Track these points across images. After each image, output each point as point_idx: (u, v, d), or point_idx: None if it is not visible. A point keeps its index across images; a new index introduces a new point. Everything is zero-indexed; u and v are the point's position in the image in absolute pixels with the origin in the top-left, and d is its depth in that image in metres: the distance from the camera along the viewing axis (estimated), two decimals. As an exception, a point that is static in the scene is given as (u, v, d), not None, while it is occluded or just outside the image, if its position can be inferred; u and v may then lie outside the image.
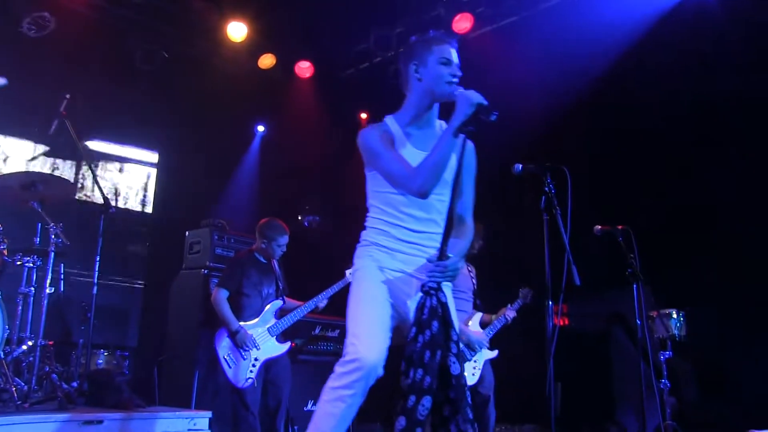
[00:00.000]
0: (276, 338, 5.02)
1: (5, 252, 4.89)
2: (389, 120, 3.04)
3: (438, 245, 2.75)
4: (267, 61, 8.06)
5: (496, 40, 7.13)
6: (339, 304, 5.22)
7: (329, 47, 8.14)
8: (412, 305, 2.75)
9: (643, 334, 4.27)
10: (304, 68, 8.29)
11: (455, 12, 7.13)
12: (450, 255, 2.70)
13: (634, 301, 4.25)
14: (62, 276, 5.18)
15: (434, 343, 2.58)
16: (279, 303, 5.14)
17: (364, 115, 8.79)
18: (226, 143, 8.10)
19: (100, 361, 5.83)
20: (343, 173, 8.22)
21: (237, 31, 7.58)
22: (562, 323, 3.57)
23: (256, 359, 4.86)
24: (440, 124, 3.06)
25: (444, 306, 2.66)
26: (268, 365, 4.96)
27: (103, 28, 7.00)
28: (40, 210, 5.07)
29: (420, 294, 2.70)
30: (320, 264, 6.31)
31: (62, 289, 5.21)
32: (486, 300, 5.42)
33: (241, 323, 4.93)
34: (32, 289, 5.02)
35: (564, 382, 4.39)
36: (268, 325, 5.02)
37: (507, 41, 7.00)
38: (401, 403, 2.54)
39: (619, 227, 4.38)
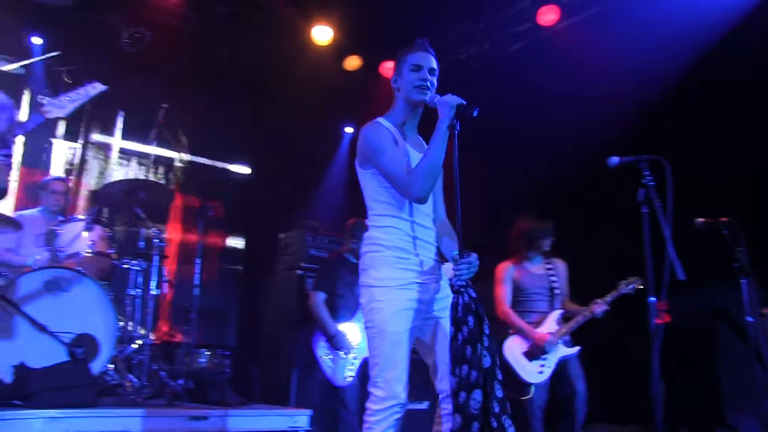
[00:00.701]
0: None
1: (114, 256, 5.15)
2: (383, 121, 3.11)
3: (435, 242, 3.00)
4: (353, 62, 8.14)
5: (583, 31, 6.97)
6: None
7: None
8: (437, 305, 2.95)
9: (755, 333, 4.08)
10: (389, 68, 8.32)
11: (540, 4, 7.03)
12: (467, 252, 2.80)
13: (743, 297, 4.07)
14: (165, 278, 5.39)
15: (472, 338, 2.67)
16: None
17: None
18: (315, 146, 8.23)
19: (202, 360, 6.05)
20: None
21: (322, 34, 7.69)
22: (665, 320, 3.45)
23: (354, 358, 4.93)
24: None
25: (476, 300, 2.73)
26: (366, 364, 5.01)
27: (192, 39, 7.23)
28: (143, 215, 5.31)
29: (449, 294, 2.84)
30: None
31: (166, 290, 5.41)
32: (580, 298, 5.29)
33: (337, 323, 5.02)
34: (139, 290, 5.28)
35: (667, 382, 4.26)
36: (358, 320, 5.08)
37: (595, 31, 6.83)
38: (453, 401, 2.66)
39: (723, 219, 4.21)
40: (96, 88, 2.83)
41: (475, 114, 2.80)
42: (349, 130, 8.84)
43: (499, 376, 2.68)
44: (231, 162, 8.29)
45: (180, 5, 7.03)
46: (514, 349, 4.94)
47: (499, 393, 2.64)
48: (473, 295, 2.73)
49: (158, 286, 5.22)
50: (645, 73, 6.11)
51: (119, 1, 6.88)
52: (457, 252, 2.79)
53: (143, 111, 6.36)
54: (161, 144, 5.67)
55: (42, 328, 4.43)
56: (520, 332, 4.95)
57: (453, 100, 2.84)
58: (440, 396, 2.98)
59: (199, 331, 5.88)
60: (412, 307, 2.87)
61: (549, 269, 5.13)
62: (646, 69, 6.10)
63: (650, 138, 5.69)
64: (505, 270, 5.15)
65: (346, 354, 4.95)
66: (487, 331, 2.69)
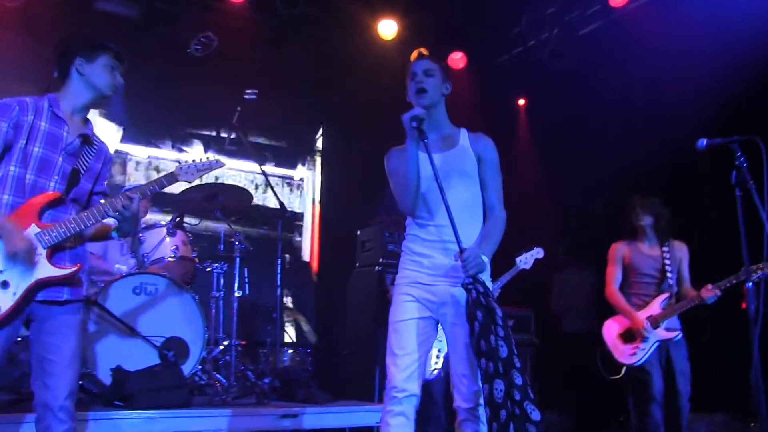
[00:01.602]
0: None
1: (196, 260, 5.26)
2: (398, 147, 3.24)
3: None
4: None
5: (657, 10, 6.75)
6: (512, 294, 5.22)
7: (480, 36, 8.06)
8: (448, 309, 2.97)
9: None
10: (457, 59, 8.26)
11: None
12: (465, 248, 2.82)
13: None
14: (247, 279, 5.47)
15: (484, 331, 2.72)
16: None
17: (521, 101, 8.64)
18: (385, 140, 8.21)
19: (286, 359, 6.14)
20: (503, 162, 8.16)
21: (388, 28, 7.69)
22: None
23: (439, 350, 4.91)
24: (458, 131, 3.23)
25: (485, 294, 2.77)
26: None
27: (259, 41, 7.32)
28: (222, 218, 5.41)
29: (457, 293, 2.91)
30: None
31: (248, 291, 5.50)
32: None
33: None
34: (222, 292, 5.38)
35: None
36: None
37: (668, 10, 6.60)
38: (483, 395, 2.74)
39: None
40: (218, 164, 3.14)
41: (414, 125, 2.93)
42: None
43: (518, 364, 2.71)
44: (302, 161, 8.38)
45: (245, 8, 7.14)
46: (612, 329, 5.00)
47: (518, 380, 2.67)
48: (480, 289, 2.77)
49: (240, 288, 5.31)
50: (726, 52, 5.86)
51: (186, 8, 7.02)
52: (458, 250, 2.84)
53: (216, 114, 6.47)
54: (236, 147, 5.72)
55: (134, 333, 4.57)
56: (622, 313, 4.96)
57: (406, 115, 2.98)
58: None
59: (280, 329, 5.98)
60: (413, 300, 3.00)
61: (665, 251, 4.98)
62: (726, 47, 5.85)
63: (737, 119, 5.46)
64: (616, 250, 5.10)
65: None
66: (500, 322, 2.73)
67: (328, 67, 7.78)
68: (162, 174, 3.04)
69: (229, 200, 5.27)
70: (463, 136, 3.19)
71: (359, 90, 7.74)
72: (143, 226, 5.28)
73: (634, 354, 4.82)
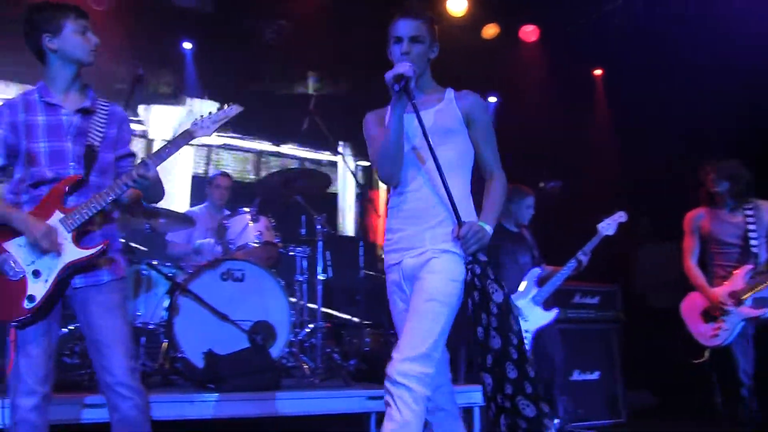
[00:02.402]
0: (541, 307, 4.96)
1: (280, 244, 5.35)
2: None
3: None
4: (490, 30, 7.99)
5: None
6: (597, 268, 5.09)
7: (553, 6, 7.87)
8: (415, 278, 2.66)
9: None
10: (529, 32, 8.11)
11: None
12: (464, 221, 2.57)
13: None
14: (329, 263, 5.52)
15: (476, 318, 2.53)
16: (537, 271, 5.04)
17: (598, 71, 8.42)
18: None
19: (368, 339, 6.18)
20: (579, 134, 7.98)
21: (457, 5, 7.60)
22: None
23: (526, 331, 4.83)
24: (444, 91, 2.88)
25: (482, 276, 2.54)
26: (538, 335, 4.89)
27: (330, 26, 7.34)
28: (303, 203, 5.47)
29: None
30: (569, 228, 6.16)
31: (331, 274, 5.55)
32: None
33: None
34: (305, 276, 5.46)
35: None
36: (531, 295, 4.94)
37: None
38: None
39: None
40: (234, 109, 2.97)
41: (396, 89, 2.61)
42: (492, 99, 8.69)
43: (514, 355, 2.49)
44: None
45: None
46: (693, 307, 4.68)
47: (512, 374, 2.47)
48: (477, 270, 2.54)
49: (324, 271, 5.37)
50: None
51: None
52: (455, 224, 2.58)
53: (292, 102, 6.55)
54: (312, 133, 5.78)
55: (224, 317, 4.68)
56: (698, 289, 4.66)
57: (388, 74, 2.65)
58: None
59: (364, 311, 6.03)
60: (393, 292, 2.79)
61: (749, 216, 4.57)
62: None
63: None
64: (692, 219, 4.78)
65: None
66: (494, 310, 2.50)
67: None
68: (178, 135, 2.91)
69: (308, 185, 5.33)
70: (449, 93, 2.86)
71: (431, 68, 7.67)
72: (227, 213, 5.39)
73: (716, 335, 4.49)
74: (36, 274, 2.69)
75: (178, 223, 5.21)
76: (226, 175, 5.98)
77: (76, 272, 2.76)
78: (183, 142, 2.88)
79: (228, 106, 2.97)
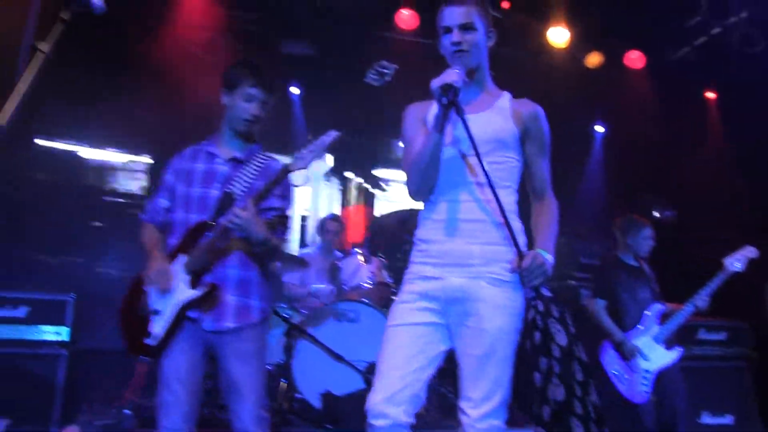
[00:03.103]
0: (663, 345, 4.74)
1: (392, 285, 5.39)
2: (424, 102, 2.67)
3: (486, 216, 2.37)
4: (594, 59, 7.85)
5: None
6: (723, 302, 4.83)
7: (657, 30, 7.68)
8: (459, 307, 2.37)
9: None
10: (634, 58, 7.91)
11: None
12: (526, 251, 2.30)
13: None
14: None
15: (533, 362, 2.28)
16: (659, 307, 4.80)
17: (711, 95, 8.12)
18: (565, 149, 8.02)
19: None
20: (691, 161, 7.68)
21: (559, 35, 7.52)
22: None
23: (646, 371, 4.61)
24: (500, 94, 2.61)
25: (545, 314, 2.31)
26: (660, 376, 4.65)
27: (432, 64, 7.39)
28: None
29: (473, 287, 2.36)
30: (688, 260, 5.91)
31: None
32: None
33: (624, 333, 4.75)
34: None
35: None
36: (652, 333, 4.72)
37: None
38: None
39: None
40: (331, 135, 2.93)
41: (443, 101, 2.31)
42: (599, 129, 8.53)
43: (578, 410, 2.23)
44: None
45: (417, 33, 7.25)
46: None
47: (578, 431, 2.21)
48: (540, 308, 2.31)
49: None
50: None
51: (359, 40, 7.26)
52: (515, 255, 2.30)
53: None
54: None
55: (340, 358, 4.74)
56: None
57: (433, 84, 2.35)
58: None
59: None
60: (414, 300, 2.41)
61: None
62: None
63: None
64: None
65: (636, 361, 4.63)
66: (557, 354, 2.26)
67: (502, 79, 7.73)
68: (277, 173, 2.91)
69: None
70: (504, 98, 2.58)
71: (535, 100, 7.61)
72: (340, 254, 5.49)
73: None
74: (157, 312, 2.86)
75: (293, 265, 5.35)
76: (336, 219, 6.10)
77: (194, 310, 2.85)
78: (282, 177, 2.87)
79: (325, 134, 2.94)
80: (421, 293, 2.41)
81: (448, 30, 2.49)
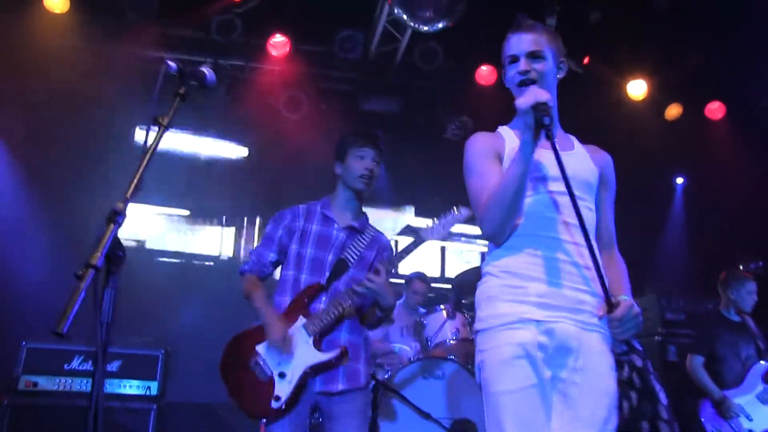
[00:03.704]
0: None
1: (476, 341, 5.40)
2: (503, 129, 2.44)
3: (583, 260, 2.11)
4: (673, 111, 7.81)
5: None
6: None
7: (737, 81, 7.60)
8: (580, 362, 2.09)
9: None
10: (714, 109, 7.84)
11: None
12: (617, 299, 1.99)
13: None
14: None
15: (635, 420, 2.01)
16: (764, 365, 4.68)
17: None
18: (647, 201, 7.96)
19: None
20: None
21: (637, 88, 7.54)
22: None
23: (750, 430, 4.50)
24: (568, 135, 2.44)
25: (642, 371, 2.14)
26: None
27: (510, 119, 7.48)
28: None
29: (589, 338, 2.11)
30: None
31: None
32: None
33: (725, 391, 4.61)
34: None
35: None
36: (756, 391, 4.58)
37: None
38: None
39: None
40: (464, 213, 3.03)
41: (545, 121, 2.04)
42: (680, 180, 8.43)
43: None
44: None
45: (495, 88, 7.36)
46: None
47: None
48: (638, 363, 2.15)
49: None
50: None
51: (440, 96, 7.42)
52: (603, 302, 2.01)
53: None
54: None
55: (426, 415, 4.76)
56: None
57: (525, 103, 2.09)
58: None
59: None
60: (525, 354, 2.06)
61: None
62: None
63: None
64: None
65: (738, 425, 4.48)
66: (665, 416, 2.07)
67: (581, 132, 7.74)
68: (410, 242, 3.06)
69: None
70: (578, 143, 2.45)
71: (615, 152, 7.58)
72: (424, 310, 5.55)
73: None
74: (282, 375, 2.90)
75: (378, 321, 5.42)
76: (422, 278, 6.16)
77: (317, 374, 2.94)
78: (413, 247, 3.04)
79: (457, 210, 3.03)
80: (522, 343, 2.08)
81: (515, 59, 2.30)
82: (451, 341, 5.24)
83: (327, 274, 3.05)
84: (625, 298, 2.02)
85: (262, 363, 2.95)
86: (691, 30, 6.80)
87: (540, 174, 2.21)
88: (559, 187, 2.12)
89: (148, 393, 4.92)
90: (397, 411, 4.82)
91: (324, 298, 3.03)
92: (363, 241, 3.14)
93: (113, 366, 4.90)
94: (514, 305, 2.10)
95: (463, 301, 5.65)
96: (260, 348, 2.98)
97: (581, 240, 2.04)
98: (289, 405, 2.89)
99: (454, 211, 3.06)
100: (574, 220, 2.04)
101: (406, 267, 7.25)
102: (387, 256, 3.19)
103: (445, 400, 4.89)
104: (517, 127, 2.30)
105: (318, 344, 2.96)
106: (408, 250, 3.03)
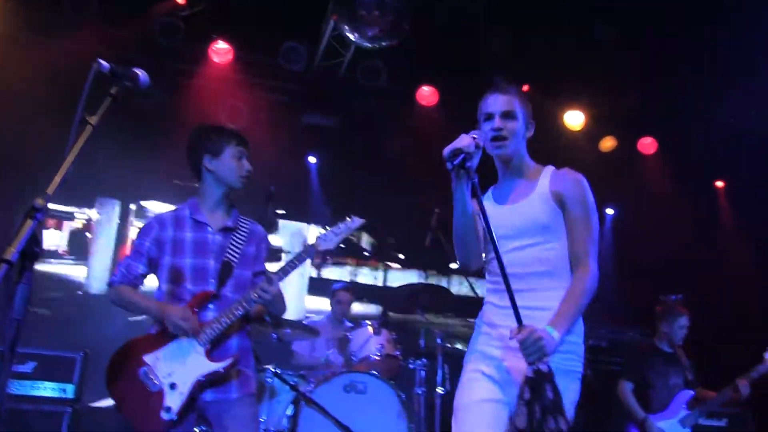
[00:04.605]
0: (689, 430, 4.81)
1: (400, 358, 5.42)
2: (489, 192, 2.74)
3: (546, 302, 2.36)
4: (608, 143, 8.02)
5: None
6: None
7: (671, 118, 7.85)
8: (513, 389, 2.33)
9: None
10: (647, 144, 8.09)
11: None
12: (524, 326, 2.21)
13: None
14: (448, 375, 5.51)
15: None
16: (689, 393, 4.90)
17: (720, 184, 8.24)
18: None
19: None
20: (705, 246, 7.73)
21: (575, 119, 7.72)
22: None
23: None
24: (541, 173, 2.63)
25: (548, 396, 2.13)
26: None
27: (449, 141, 7.55)
28: (424, 317, 5.55)
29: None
30: (722, 348, 5.98)
31: (449, 387, 5.53)
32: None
33: (650, 415, 4.81)
34: (424, 389, 5.47)
35: None
36: (679, 416, 4.81)
37: None
38: None
39: None
40: (356, 222, 3.06)
41: (448, 167, 2.36)
42: (610, 211, 8.64)
43: None
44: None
45: (436, 110, 7.44)
46: None
47: None
48: (548, 394, 2.13)
49: (442, 384, 5.37)
50: None
51: (381, 115, 7.45)
52: (514, 327, 2.24)
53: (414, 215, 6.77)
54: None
55: (346, 429, 4.73)
56: None
57: (446, 149, 2.37)
58: None
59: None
60: (478, 377, 2.47)
61: None
62: None
63: None
64: None
65: None
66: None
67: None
68: (301, 249, 3.03)
69: (430, 298, 5.43)
70: (544, 178, 2.59)
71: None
72: (350, 325, 5.53)
73: None
74: (173, 386, 2.81)
75: (303, 334, 5.38)
76: (347, 289, 6.15)
77: (210, 385, 2.86)
78: (307, 256, 2.98)
79: (350, 218, 3.06)
80: (475, 368, 2.52)
81: (490, 117, 2.56)
82: (375, 356, 5.23)
83: (213, 281, 2.97)
84: (537, 327, 2.22)
85: (151, 374, 2.85)
86: (631, 64, 7.00)
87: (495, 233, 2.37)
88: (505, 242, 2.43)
89: (63, 396, 4.78)
90: (316, 423, 4.78)
91: (212, 307, 2.96)
92: (240, 238, 3.07)
93: (28, 367, 4.75)
94: (475, 342, 2.58)
95: (390, 317, 5.66)
96: (149, 358, 2.88)
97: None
98: (180, 416, 2.81)
99: (347, 219, 3.07)
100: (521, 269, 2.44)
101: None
102: (265, 248, 3.18)
103: (366, 414, 4.87)
104: (497, 185, 2.70)
105: (209, 354, 2.88)
106: (299, 258, 2.97)
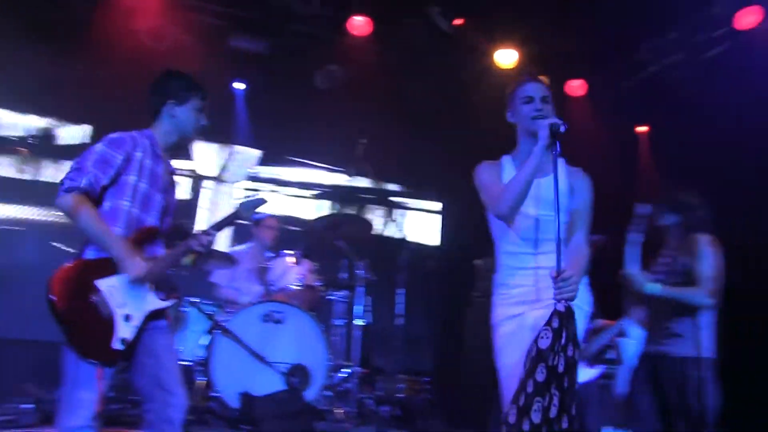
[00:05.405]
0: (585, 363, 4.85)
1: (321, 288, 5.40)
2: (506, 159, 3.12)
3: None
4: (537, 82, 8.01)
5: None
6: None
7: (600, 64, 7.90)
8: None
9: None
10: (576, 86, 8.12)
11: (737, 7, 6.55)
12: (564, 269, 2.60)
13: None
14: (370, 308, 5.55)
15: (541, 388, 2.44)
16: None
17: (642, 128, 8.38)
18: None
19: (403, 386, 6.16)
20: (623, 188, 7.91)
21: (506, 57, 7.66)
22: None
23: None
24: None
25: (560, 332, 2.50)
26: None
27: (381, 73, 7.44)
28: (345, 248, 5.53)
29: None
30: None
31: (370, 320, 5.58)
32: None
33: None
34: (344, 320, 5.50)
35: None
36: None
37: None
38: None
39: None
40: (261, 201, 3.21)
41: (562, 129, 2.75)
42: (536, 151, 8.72)
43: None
44: (424, 195, 8.50)
45: (370, 41, 7.27)
46: None
47: None
48: (555, 325, 2.51)
49: (362, 316, 5.40)
50: None
51: (312, 42, 7.25)
52: (554, 269, 2.62)
53: (341, 146, 6.67)
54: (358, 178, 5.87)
55: (261, 359, 4.73)
56: None
57: (546, 120, 2.81)
58: None
59: (399, 358, 6.02)
60: (513, 342, 2.81)
61: None
62: None
63: None
64: None
65: None
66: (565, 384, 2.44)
67: (446, 97, 7.83)
68: (231, 212, 3.17)
69: (353, 230, 5.40)
70: (561, 164, 3.00)
71: (476, 117, 7.73)
72: (270, 254, 5.47)
73: None
74: (128, 318, 2.78)
75: (221, 262, 5.30)
76: (274, 216, 6.05)
77: (151, 318, 2.88)
78: (233, 218, 3.14)
79: (258, 197, 3.23)
80: (510, 332, 2.85)
81: (531, 99, 3.00)
82: (295, 287, 5.20)
83: (155, 213, 2.99)
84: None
85: (103, 302, 2.76)
86: (567, 6, 6.95)
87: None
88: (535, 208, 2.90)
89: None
90: (232, 353, 4.76)
91: (155, 242, 2.98)
92: (174, 187, 3.18)
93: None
94: (504, 308, 2.91)
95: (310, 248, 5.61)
96: (103, 285, 2.78)
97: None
98: (131, 346, 2.81)
99: (258, 198, 3.22)
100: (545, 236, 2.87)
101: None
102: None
103: (283, 344, 4.88)
104: (517, 157, 3.03)
105: (155, 289, 2.91)
106: (227, 220, 3.13)
